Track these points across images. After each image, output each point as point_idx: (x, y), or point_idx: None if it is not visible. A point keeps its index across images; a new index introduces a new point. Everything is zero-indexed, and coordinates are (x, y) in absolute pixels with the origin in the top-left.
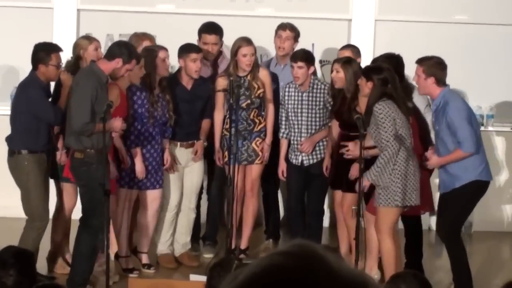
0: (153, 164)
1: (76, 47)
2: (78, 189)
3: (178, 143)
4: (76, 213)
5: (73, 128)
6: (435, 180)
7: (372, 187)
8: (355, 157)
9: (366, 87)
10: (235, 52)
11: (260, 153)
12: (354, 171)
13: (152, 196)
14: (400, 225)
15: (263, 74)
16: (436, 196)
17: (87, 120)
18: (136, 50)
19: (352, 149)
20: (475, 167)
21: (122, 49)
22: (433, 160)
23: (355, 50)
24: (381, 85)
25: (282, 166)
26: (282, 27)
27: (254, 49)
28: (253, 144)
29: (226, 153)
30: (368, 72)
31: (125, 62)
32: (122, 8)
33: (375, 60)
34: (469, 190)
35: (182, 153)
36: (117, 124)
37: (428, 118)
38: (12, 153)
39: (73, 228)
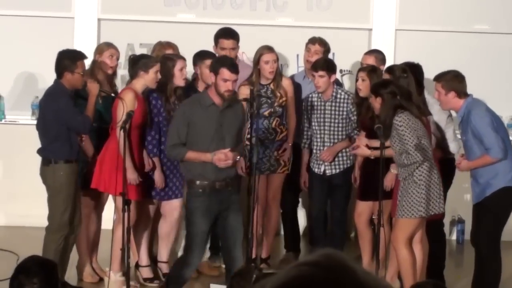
0: (175, 172)
1: (96, 51)
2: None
3: None
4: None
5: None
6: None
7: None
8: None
9: (376, 103)
10: (257, 60)
11: (282, 162)
12: (388, 182)
13: (173, 206)
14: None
15: (286, 83)
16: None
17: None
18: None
19: (358, 144)
20: (505, 173)
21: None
22: (463, 164)
23: (380, 56)
24: (391, 98)
25: (304, 177)
26: (312, 41)
27: (276, 56)
28: (276, 153)
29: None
30: (376, 88)
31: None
32: (142, 17)
33: (390, 69)
34: (500, 197)
35: None
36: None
37: (450, 130)
38: (47, 163)
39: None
